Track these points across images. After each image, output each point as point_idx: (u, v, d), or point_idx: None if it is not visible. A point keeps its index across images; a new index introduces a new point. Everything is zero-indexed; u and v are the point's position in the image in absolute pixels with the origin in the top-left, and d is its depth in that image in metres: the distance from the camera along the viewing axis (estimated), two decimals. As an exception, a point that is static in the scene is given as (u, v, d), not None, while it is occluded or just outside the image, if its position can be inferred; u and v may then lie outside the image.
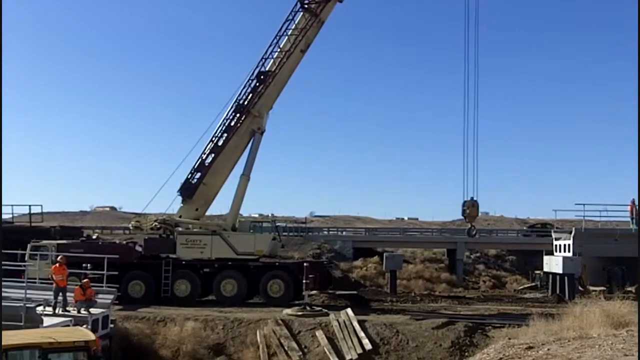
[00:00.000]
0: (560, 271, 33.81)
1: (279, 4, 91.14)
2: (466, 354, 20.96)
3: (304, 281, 26.46)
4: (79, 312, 18.92)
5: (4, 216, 32.38)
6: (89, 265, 24.74)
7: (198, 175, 30.02)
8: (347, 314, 23.69)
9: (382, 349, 21.82)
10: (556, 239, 37.71)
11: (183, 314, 24.43)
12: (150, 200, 35.52)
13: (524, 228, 62.76)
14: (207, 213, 32.02)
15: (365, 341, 21.95)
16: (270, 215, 65.53)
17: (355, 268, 47.04)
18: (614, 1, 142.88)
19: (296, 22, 29.76)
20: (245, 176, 30.19)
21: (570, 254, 34.67)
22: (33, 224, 38.45)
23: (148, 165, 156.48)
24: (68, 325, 16.54)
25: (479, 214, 29.29)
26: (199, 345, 22.31)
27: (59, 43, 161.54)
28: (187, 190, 29.93)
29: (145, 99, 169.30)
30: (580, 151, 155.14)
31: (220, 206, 54.98)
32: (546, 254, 37.47)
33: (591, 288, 32.31)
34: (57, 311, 19.09)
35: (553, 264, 35.43)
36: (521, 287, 44.33)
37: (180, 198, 30.15)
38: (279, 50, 29.81)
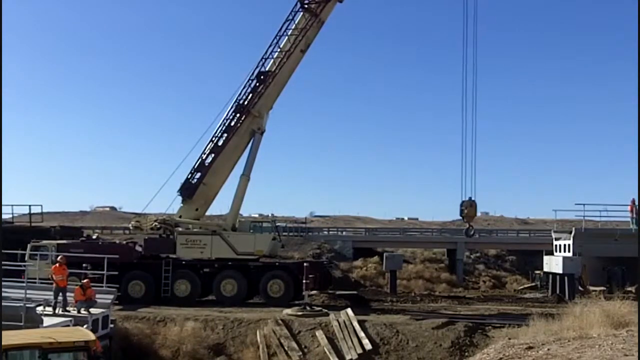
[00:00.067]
0: (560, 271, 33.81)
1: (279, 4, 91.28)
2: (466, 354, 20.94)
3: (304, 281, 26.43)
4: (79, 312, 18.91)
5: (4, 216, 32.40)
6: (89, 265, 24.78)
7: (198, 175, 30.01)
8: (347, 314, 23.67)
9: (382, 349, 21.79)
10: (556, 239, 37.70)
11: (183, 314, 24.41)
12: (150, 200, 35.62)
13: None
14: (207, 213, 32.01)
15: (365, 341, 21.93)
16: (270, 215, 65.66)
17: (355, 268, 47.11)
18: (614, 1, 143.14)
19: (296, 22, 29.75)
20: (245, 176, 30.19)
21: (570, 254, 34.66)
22: (33, 224, 38.42)
23: (148, 165, 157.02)
24: (68, 325, 16.53)
25: (478, 214, 29.29)
26: (199, 345, 22.30)
27: (59, 43, 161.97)
28: (187, 190, 29.93)
29: (145, 99, 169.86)
30: (580, 151, 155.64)
31: (220, 206, 55.03)
32: (546, 254, 37.49)
33: (591, 288, 32.29)
34: (57, 311, 19.08)
35: (553, 264, 35.42)
36: (521, 287, 44.35)
37: (180, 198, 30.17)
38: (279, 50, 29.81)
